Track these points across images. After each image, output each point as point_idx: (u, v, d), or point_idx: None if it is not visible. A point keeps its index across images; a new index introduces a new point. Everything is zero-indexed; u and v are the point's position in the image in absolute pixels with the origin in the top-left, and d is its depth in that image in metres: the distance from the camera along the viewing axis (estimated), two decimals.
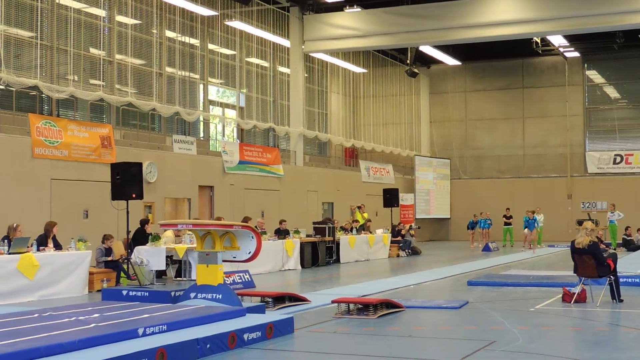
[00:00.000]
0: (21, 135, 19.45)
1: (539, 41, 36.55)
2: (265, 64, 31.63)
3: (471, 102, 42.96)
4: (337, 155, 37.83)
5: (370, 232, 27.50)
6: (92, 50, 23.22)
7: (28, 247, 15.01)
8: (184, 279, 17.74)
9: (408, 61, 37.47)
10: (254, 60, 30.72)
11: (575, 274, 13.73)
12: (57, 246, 16.08)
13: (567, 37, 35.58)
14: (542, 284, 16.51)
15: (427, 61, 41.54)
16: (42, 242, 15.65)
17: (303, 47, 32.33)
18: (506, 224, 34.40)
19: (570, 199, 40.06)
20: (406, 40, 31.85)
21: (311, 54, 33.40)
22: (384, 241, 27.48)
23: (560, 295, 13.85)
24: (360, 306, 12.35)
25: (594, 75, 41.28)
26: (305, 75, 33.66)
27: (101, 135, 21.44)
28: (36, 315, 10.07)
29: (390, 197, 29.89)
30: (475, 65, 42.46)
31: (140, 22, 25.04)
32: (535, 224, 27.52)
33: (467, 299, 14.16)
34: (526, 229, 30.70)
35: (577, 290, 13.52)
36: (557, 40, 36.28)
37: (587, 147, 40.89)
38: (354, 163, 38.24)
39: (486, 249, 30.70)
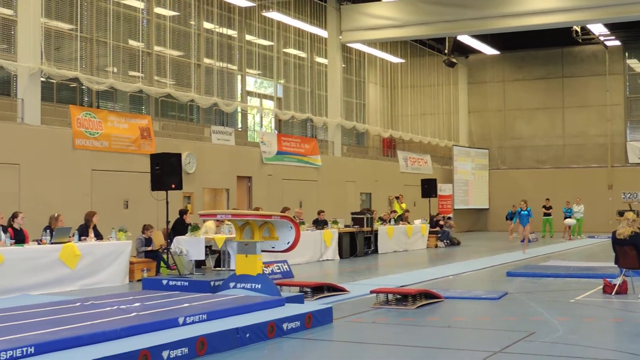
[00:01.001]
0: (62, 127, 19.67)
1: (578, 30, 36.16)
2: (302, 54, 31.62)
3: (510, 91, 42.61)
4: (374, 145, 37.75)
5: (409, 223, 27.43)
6: (131, 42, 23.38)
7: (70, 237, 15.19)
8: (223, 268, 17.88)
9: (446, 51, 37.25)
10: (291, 51, 30.73)
11: (616, 265, 13.61)
12: (98, 236, 16.27)
13: (608, 26, 35.08)
14: (582, 275, 16.38)
15: (465, 51, 41.25)
16: (83, 232, 15.84)
17: (340, 37, 32.27)
18: (546, 214, 34.13)
19: (610, 190, 39.61)
20: (444, 29, 31.63)
21: (348, 45, 33.32)
22: (422, 232, 27.42)
23: (601, 287, 13.73)
24: (399, 296, 12.35)
25: (635, 64, 40.73)
26: (343, 65, 33.60)
27: (140, 126, 21.62)
28: (78, 304, 10.20)
29: (429, 188, 29.81)
30: (514, 55, 42.09)
31: (178, 13, 25.15)
32: (530, 217, 25.48)
33: (506, 289, 14.09)
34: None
35: (618, 281, 13.40)
36: (598, 29, 35.78)
37: (628, 137, 40.38)
38: (391, 153, 38.15)
39: None
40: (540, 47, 40.76)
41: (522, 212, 24.44)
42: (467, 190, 40.81)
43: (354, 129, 34.52)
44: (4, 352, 6.90)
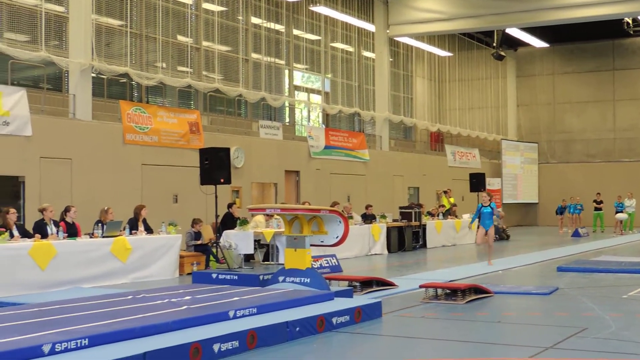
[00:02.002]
0: (113, 122, 19.90)
1: (630, 21, 35.57)
2: (350, 48, 31.58)
3: (559, 84, 42.11)
4: (422, 139, 37.59)
5: (457, 217, 27.28)
6: (180, 38, 23.55)
7: (121, 230, 15.37)
8: (272, 262, 17.95)
9: (494, 44, 36.90)
10: (338, 45, 30.70)
11: None
12: (148, 230, 16.43)
13: None
14: (635, 270, 16.14)
15: (513, 44, 40.86)
16: (133, 226, 16.01)
17: (388, 31, 32.19)
18: (596, 209, 33.70)
19: None
20: (492, 22, 31.36)
21: (396, 38, 33.20)
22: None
23: None
24: (448, 291, 12.28)
25: None
26: (390, 59, 33.51)
27: (189, 121, 21.78)
28: (130, 297, 10.33)
29: (477, 182, 29.60)
30: (563, 47, 41.59)
31: (226, 9, 25.27)
32: (497, 215, 23.11)
33: (557, 285, 13.96)
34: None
35: None
36: None
37: None
38: (439, 147, 37.96)
39: (576, 234, 30.16)
40: (590, 40, 40.22)
41: (484, 210, 18.03)
42: (516, 185, 40.46)
43: (401, 123, 34.43)
44: (59, 344, 7.00)
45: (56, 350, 6.95)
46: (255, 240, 17.75)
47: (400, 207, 24.95)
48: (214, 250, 17.49)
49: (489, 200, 18.21)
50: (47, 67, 19.35)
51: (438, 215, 26.19)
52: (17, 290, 12.67)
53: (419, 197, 33.21)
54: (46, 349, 6.88)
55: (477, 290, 12.45)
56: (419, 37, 33.85)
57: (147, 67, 22.17)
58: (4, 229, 13.33)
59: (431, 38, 35.24)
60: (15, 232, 13.81)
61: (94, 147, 19.01)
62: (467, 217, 27.54)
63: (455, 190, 32.62)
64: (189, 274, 15.93)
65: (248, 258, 18.15)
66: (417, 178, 33.59)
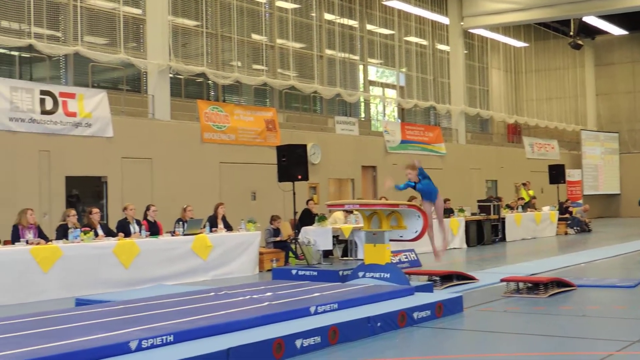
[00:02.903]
0: (191, 121, 20.17)
1: None
2: (424, 42, 31.40)
3: None
4: (499, 132, 37.17)
5: (536, 210, 26.91)
6: (254, 36, 23.73)
7: (201, 228, 15.57)
8: (351, 258, 17.94)
9: (571, 33, 36.26)
10: (412, 39, 30.55)
11: None
12: (228, 227, 16.61)
13: None
14: None
15: (591, 32, 40.03)
16: (212, 224, 16.21)
17: (462, 23, 31.90)
18: None
19: None
20: (569, 11, 30.79)
21: (470, 30, 32.89)
22: (551, 219, 26.84)
23: None
24: (530, 285, 12.13)
25: None
26: (465, 52, 33.21)
27: (266, 118, 21.94)
28: (213, 294, 10.45)
29: (556, 174, 29.15)
30: None
31: (299, 6, 25.37)
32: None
33: None
34: None
35: None
36: None
37: None
38: (517, 139, 37.47)
39: None
40: None
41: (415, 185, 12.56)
42: (597, 176, 39.69)
43: (477, 115, 34.10)
44: (145, 340, 7.13)
45: (142, 346, 7.07)
46: (333, 236, 17.78)
47: (479, 201, 24.74)
48: (293, 246, 17.58)
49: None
50: (126, 68, 19.72)
51: (517, 208, 25.87)
52: (101, 288, 12.95)
53: (497, 190, 32.86)
54: (133, 345, 7.01)
55: (560, 284, 12.26)
56: (493, 28, 33.47)
57: (223, 66, 22.41)
58: (88, 228, 13.63)
59: (506, 29, 34.80)
60: (100, 231, 14.12)
61: (173, 147, 19.30)
62: (547, 209, 27.18)
63: (534, 182, 32.14)
64: (268, 270, 16.06)
65: (327, 254, 18.18)
66: (495, 171, 33.22)
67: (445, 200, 22.95)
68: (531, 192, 29.55)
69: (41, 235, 13.31)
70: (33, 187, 16.40)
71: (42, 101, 16.59)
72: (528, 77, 38.66)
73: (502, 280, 12.51)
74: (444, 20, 31.68)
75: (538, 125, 37.99)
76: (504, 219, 24.11)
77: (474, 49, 34.90)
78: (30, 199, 15.90)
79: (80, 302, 11.00)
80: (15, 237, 13.03)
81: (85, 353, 6.64)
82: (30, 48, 17.46)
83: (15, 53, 17.84)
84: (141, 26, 20.40)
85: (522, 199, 27.99)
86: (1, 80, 16.26)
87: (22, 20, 17.63)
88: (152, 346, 7.14)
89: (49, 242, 13.05)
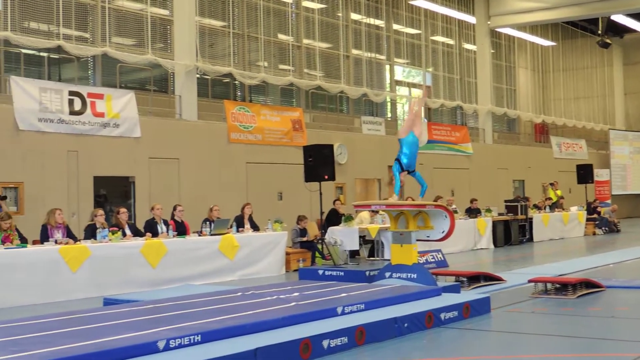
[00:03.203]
0: (218, 122, 20.24)
1: None
2: (450, 41, 31.31)
3: None
4: (526, 131, 36.98)
5: (564, 210, 26.74)
6: (281, 37, 23.77)
7: (228, 228, 15.62)
8: (377, 258, 17.92)
9: (599, 32, 36.01)
10: (439, 38, 30.47)
11: None
12: (254, 227, 16.65)
13: None
14: None
15: (619, 30, 39.65)
16: (239, 223, 16.25)
17: (489, 22, 31.77)
18: None
19: None
20: (597, 9, 30.55)
21: (497, 29, 32.75)
22: (579, 219, 26.65)
23: None
24: (558, 286, 12.04)
25: None
26: (492, 51, 33.07)
27: (292, 118, 21.97)
28: (240, 293, 10.48)
29: (584, 173, 28.94)
30: None
31: (326, 6, 25.38)
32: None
33: None
34: None
35: None
36: None
37: None
38: (544, 139, 37.25)
39: None
40: None
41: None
42: (625, 175, 39.35)
43: (504, 115, 33.95)
44: (173, 340, 7.15)
45: (170, 346, 7.10)
46: (360, 236, 17.77)
47: (506, 201, 24.61)
48: (320, 246, 17.59)
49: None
50: (153, 69, 19.82)
51: (545, 208, 25.72)
52: (129, 288, 13.02)
53: (524, 190, 32.69)
54: (161, 345, 7.04)
55: (588, 285, 12.16)
56: (521, 27, 33.30)
57: (249, 67, 22.47)
58: (116, 228, 13.72)
59: (533, 28, 34.61)
60: (128, 231, 14.20)
61: (200, 147, 19.38)
62: (574, 209, 27.00)
63: (561, 182, 31.94)
64: (295, 270, 16.08)
65: (353, 254, 18.18)
66: (522, 171, 33.05)
67: (472, 200, 22.95)
68: (559, 192, 29.37)
69: (70, 235, 13.42)
70: (62, 187, 16.53)
71: (71, 102, 16.72)
72: (555, 76, 38.41)
73: (529, 281, 12.44)
74: (470, 19, 31.57)
75: (566, 124, 37.74)
76: (531, 219, 23.98)
77: (501, 48, 34.74)
78: (59, 199, 16.04)
79: (108, 302, 11.06)
80: (44, 236, 13.14)
81: (113, 352, 6.68)
82: (59, 49, 17.62)
83: (44, 54, 17.99)
84: (168, 27, 20.50)
85: (550, 199, 27.84)
86: (30, 81, 16.41)
87: (51, 21, 17.78)
88: (180, 346, 7.17)
89: (78, 242, 13.14)
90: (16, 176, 15.85)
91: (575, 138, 37.96)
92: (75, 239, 13.33)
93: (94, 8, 18.84)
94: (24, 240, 12.88)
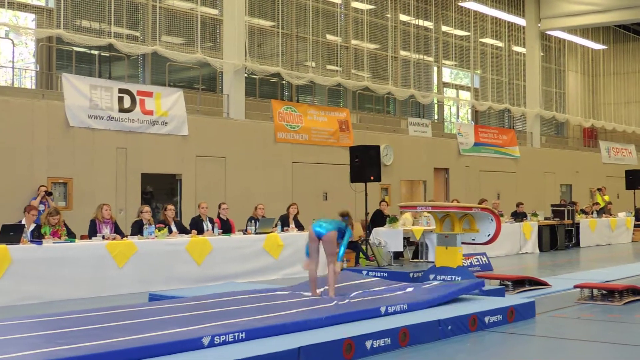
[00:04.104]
0: (264, 121, 20.35)
1: None
2: (499, 44, 31.10)
3: None
4: (575, 135, 36.59)
5: (612, 215, 26.42)
6: (329, 37, 23.82)
7: (273, 227, 15.68)
8: (421, 260, 17.89)
9: None
10: (488, 40, 30.29)
11: None
12: (299, 227, 16.68)
13: None
14: None
15: None
16: (284, 223, 16.31)
17: (539, 25, 31.51)
18: None
19: None
20: None
21: (548, 32, 32.46)
22: (627, 225, 26.32)
23: None
24: (604, 292, 11.90)
25: None
26: (542, 54, 32.78)
27: (339, 119, 22.00)
28: (283, 292, 10.52)
29: (633, 179, 28.54)
30: None
31: (374, 7, 25.38)
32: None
33: None
34: None
35: None
36: None
37: None
38: (593, 144, 36.83)
39: None
40: None
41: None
42: None
43: (553, 119, 33.63)
44: (217, 337, 7.22)
45: (215, 342, 7.16)
46: (404, 238, 17.74)
47: (553, 205, 24.37)
48: (364, 247, 17.59)
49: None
50: (202, 68, 19.99)
51: (592, 214, 25.44)
52: (174, 284, 13.13)
53: (571, 194, 32.36)
54: (206, 341, 7.10)
55: (635, 292, 12.00)
56: (571, 30, 32.95)
57: (297, 67, 22.55)
58: (163, 225, 13.85)
59: (584, 31, 34.25)
60: (174, 228, 14.33)
61: (247, 146, 19.50)
62: (622, 215, 26.67)
63: (610, 187, 31.58)
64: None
65: (397, 255, 18.16)
66: (570, 175, 32.72)
67: (519, 204, 22.76)
68: (607, 198, 29.01)
69: (117, 230, 13.58)
70: (110, 183, 16.75)
71: (121, 99, 16.94)
72: (606, 80, 37.94)
73: (575, 287, 12.31)
74: (520, 21, 31.33)
75: (615, 129, 37.26)
76: (578, 224, 23.72)
77: (551, 50, 34.42)
78: (107, 195, 16.26)
79: (154, 297, 11.17)
80: (93, 231, 13.32)
81: (159, 347, 6.77)
82: (109, 47, 17.85)
83: (95, 52, 18.24)
84: (218, 26, 20.66)
85: (598, 204, 27.52)
86: (82, 78, 16.66)
87: (103, 20, 18.02)
88: (224, 342, 7.23)
89: (125, 238, 13.29)
90: (66, 172, 16.11)
91: (625, 143, 37.47)
92: (123, 235, 13.49)
93: (144, 7, 19.06)
94: (72, 235, 13.06)
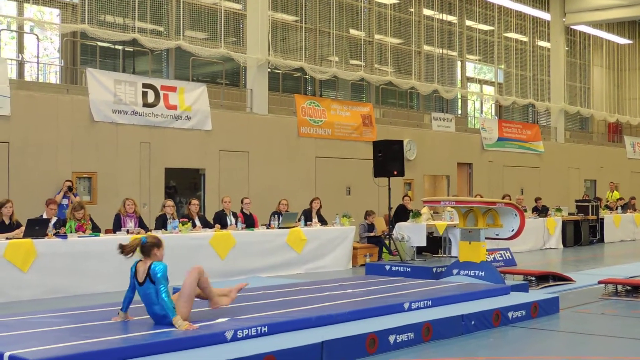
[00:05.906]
0: (288, 116, 20.37)
1: None
2: (524, 38, 30.93)
3: None
4: (599, 131, 36.33)
5: (637, 211, 26.23)
6: (352, 32, 23.79)
7: (296, 222, 15.72)
8: (444, 255, 17.86)
9: None
10: (512, 35, 30.13)
11: None
12: (322, 221, 16.71)
13: None
14: None
15: None
16: (307, 217, 16.35)
17: (564, 19, 31.30)
18: None
19: None
20: None
21: (572, 27, 32.24)
22: None
23: None
24: (629, 288, 11.85)
25: None
26: (566, 48, 32.57)
27: (362, 114, 21.98)
28: (306, 287, 10.54)
29: None
30: None
31: (398, 1, 25.30)
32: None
33: None
34: None
35: None
36: None
37: None
38: (618, 139, 36.56)
39: None
40: None
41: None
42: None
43: (577, 114, 33.41)
44: (240, 331, 7.25)
45: (238, 336, 7.19)
46: (427, 233, 17.72)
47: (577, 200, 24.25)
48: (387, 242, 17.59)
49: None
50: (225, 63, 20.03)
51: (617, 209, 25.28)
52: None
53: (595, 190, 32.17)
54: (229, 335, 7.14)
55: None
56: (596, 24, 32.72)
57: (320, 61, 22.54)
58: (187, 219, 13.91)
59: (610, 25, 34.00)
60: (198, 222, 14.40)
61: (270, 140, 19.53)
62: None
63: (634, 183, 31.38)
64: (362, 265, 16.10)
65: (420, 250, 18.14)
66: (594, 170, 32.52)
67: (537, 199, 22.70)
68: (616, 194, 28.79)
69: (142, 225, 13.65)
70: (134, 177, 16.83)
71: (144, 94, 17.01)
72: (631, 74, 37.63)
73: (599, 282, 12.26)
74: (545, 16, 31.15)
75: None
76: (602, 219, 23.59)
77: (576, 45, 34.18)
78: (132, 189, 16.34)
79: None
80: (117, 225, 13.41)
81: (183, 341, 6.81)
82: (133, 42, 17.92)
83: (119, 47, 18.32)
84: (241, 21, 20.69)
85: (622, 199, 27.34)
86: (106, 73, 16.75)
87: (127, 15, 18.10)
88: (247, 336, 7.26)
89: (149, 232, 13.35)
90: (90, 166, 16.20)
91: None
92: (147, 229, 13.56)
93: (168, 2, 19.12)
94: (97, 229, 13.15)
